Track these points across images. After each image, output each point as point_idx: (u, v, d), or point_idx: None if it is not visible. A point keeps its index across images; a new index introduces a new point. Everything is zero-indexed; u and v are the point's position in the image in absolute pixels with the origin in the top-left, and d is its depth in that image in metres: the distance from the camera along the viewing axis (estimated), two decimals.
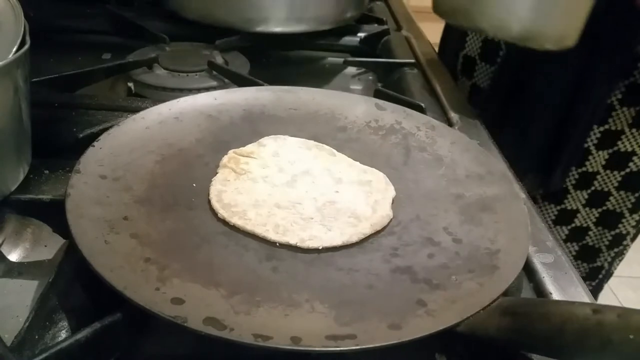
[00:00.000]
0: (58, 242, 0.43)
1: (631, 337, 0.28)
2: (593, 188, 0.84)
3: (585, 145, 0.80)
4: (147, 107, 0.53)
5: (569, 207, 0.86)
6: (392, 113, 0.58)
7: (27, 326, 0.33)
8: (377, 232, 0.43)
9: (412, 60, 0.78)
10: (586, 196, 0.85)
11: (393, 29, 0.91)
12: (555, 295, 0.42)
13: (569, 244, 0.89)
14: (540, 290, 0.42)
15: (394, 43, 0.85)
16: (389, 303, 0.36)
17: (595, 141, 0.80)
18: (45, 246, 0.44)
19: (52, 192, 0.43)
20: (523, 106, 0.81)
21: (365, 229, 0.43)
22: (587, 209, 0.86)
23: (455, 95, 0.71)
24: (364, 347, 0.31)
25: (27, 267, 0.42)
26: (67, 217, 0.37)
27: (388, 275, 0.39)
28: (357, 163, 0.51)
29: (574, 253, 0.90)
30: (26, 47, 0.41)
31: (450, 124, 0.63)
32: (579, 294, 0.42)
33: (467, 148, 0.52)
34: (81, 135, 0.49)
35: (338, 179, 0.49)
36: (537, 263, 0.44)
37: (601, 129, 0.79)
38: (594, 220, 0.87)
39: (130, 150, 0.47)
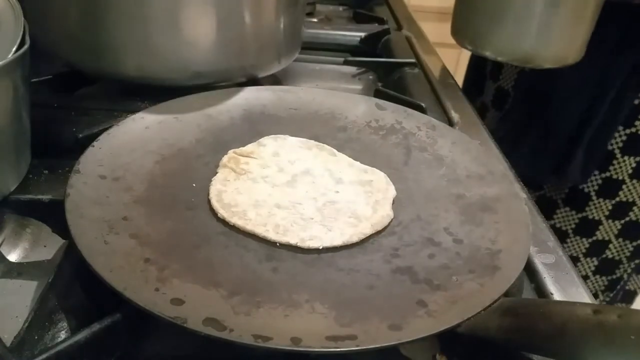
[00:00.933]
0: (57, 242, 0.43)
1: (632, 337, 0.28)
2: (618, 199, 0.82)
3: (610, 147, 0.79)
4: (146, 107, 0.53)
5: (590, 217, 0.84)
6: (392, 113, 0.58)
7: (27, 327, 0.33)
8: (378, 233, 0.43)
9: (413, 60, 0.78)
10: (610, 207, 0.83)
11: (393, 29, 0.91)
12: (557, 296, 0.41)
13: (588, 258, 0.88)
14: (541, 291, 0.42)
15: (394, 42, 0.85)
16: (389, 303, 0.36)
17: (621, 144, 0.79)
18: (45, 246, 0.44)
19: (51, 192, 0.43)
20: (545, 109, 0.81)
21: (366, 229, 0.42)
22: (609, 221, 0.84)
23: (456, 95, 0.71)
24: (364, 347, 0.31)
25: (27, 267, 0.42)
26: (67, 217, 0.37)
27: (388, 275, 0.39)
28: (358, 163, 0.51)
29: (592, 268, 0.88)
30: (26, 47, 0.41)
31: (451, 124, 0.63)
32: (580, 294, 0.42)
33: (468, 148, 0.52)
34: (81, 135, 0.49)
35: (338, 179, 0.48)
36: (538, 263, 0.44)
37: (627, 131, 0.78)
38: (616, 232, 0.85)
39: (129, 150, 0.47)
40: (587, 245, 0.86)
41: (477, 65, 0.99)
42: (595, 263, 0.88)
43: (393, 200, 0.47)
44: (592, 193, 0.82)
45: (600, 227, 0.84)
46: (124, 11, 0.54)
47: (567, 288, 0.42)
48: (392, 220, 0.44)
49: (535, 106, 0.83)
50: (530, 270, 0.44)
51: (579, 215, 0.85)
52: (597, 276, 0.89)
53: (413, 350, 0.38)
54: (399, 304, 0.35)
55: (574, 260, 0.88)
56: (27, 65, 0.42)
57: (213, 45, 0.58)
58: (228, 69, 0.60)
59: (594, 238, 0.86)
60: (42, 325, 0.33)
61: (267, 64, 0.64)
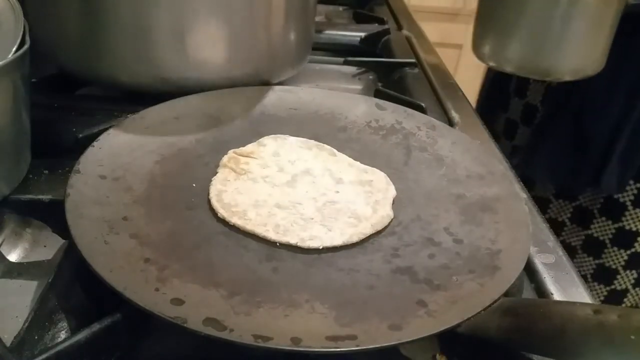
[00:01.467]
0: (57, 242, 0.43)
1: (632, 337, 0.28)
2: None
3: None
4: (146, 107, 0.53)
5: (627, 227, 0.84)
6: (392, 113, 0.58)
7: (27, 327, 0.33)
8: (378, 233, 0.43)
9: (413, 60, 0.78)
10: None
11: (393, 29, 0.91)
12: (557, 296, 0.41)
13: (627, 271, 0.87)
14: (541, 291, 0.42)
15: (394, 42, 0.85)
16: (389, 303, 0.36)
17: None
18: (45, 246, 0.44)
19: (51, 192, 0.43)
20: (578, 121, 0.81)
21: (366, 229, 0.42)
22: None
23: (456, 95, 0.71)
24: (364, 347, 0.31)
25: (27, 267, 0.42)
26: (67, 217, 0.37)
27: (389, 275, 0.39)
28: (358, 163, 0.51)
29: (632, 281, 0.88)
30: (26, 47, 0.41)
31: (451, 123, 0.63)
32: (580, 294, 0.42)
33: (468, 148, 0.52)
34: (81, 135, 0.49)
35: (338, 179, 0.48)
36: (538, 263, 0.44)
37: None
38: None
39: (129, 150, 0.47)
40: (625, 258, 0.86)
41: (500, 83, 0.99)
42: (635, 275, 0.87)
43: (393, 200, 0.47)
44: (628, 203, 0.82)
45: (639, 238, 0.84)
46: (127, 20, 0.53)
47: (567, 288, 0.42)
48: (392, 220, 0.44)
49: (567, 119, 0.83)
50: (530, 270, 0.44)
51: (616, 226, 0.84)
52: (638, 289, 0.89)
53: (413, 350, 0.38)
54: (399, 304, 0.35)
55: (613, 273, 0.87)
56: (27, 65, 0.42)
57: (222, 54, 0.57)
58: (238, 76, 0.59)
59: (633, 250, 0.85)
60: (42, 325, 0.33)
61: (280, 71, 0.64)
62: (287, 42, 0.62)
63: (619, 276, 0.87)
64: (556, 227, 0.89)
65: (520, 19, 0.66)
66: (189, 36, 0.55)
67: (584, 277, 0.78)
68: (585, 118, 0.81)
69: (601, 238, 0.86)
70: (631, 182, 0.81)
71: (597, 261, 0.87)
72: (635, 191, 0.81)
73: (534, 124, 0.90)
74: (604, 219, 0.85)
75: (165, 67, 0.56)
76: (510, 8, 0.67)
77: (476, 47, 0.74)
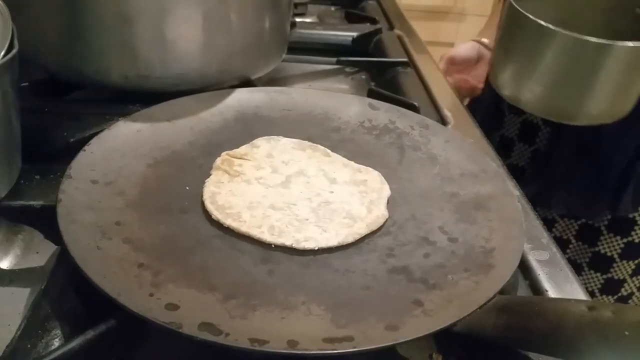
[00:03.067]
0: (50, 248, 0.43)
1: (626, 333, 0.28)
2: None
3: None
4: (138, 110, 0.53)
5: (637, 240, 0.84)
6: (385, 113, 0.58)
7: (19, 335, 0.32)
8: (373, 233, 0.43)
9: (405, 59, 0.78)
10: None
11: (385, 28, 0.91)
12: (551, 293, 0.42)
13: (634, 277, 0.87)
14: (536, 288, 0.42)
15: (386, 42, 0.85)
16: (385, 304, 0.36)
17: None
18: (37, 253, 0.43)
19: (43, 197, 0.43)
20: (594, 145, 0.79)
21: (361, 229, 0.42)
22: None
23: (449, 94, 0.71)
24: (361, 349, 0.31)
25: (19, 274, 0.42)
26: (59, 223, 0.37)
27: (384, 275, 0.39)
28: (352, 162, 0.51)
29: (638, 285, 0.88)
30: (14, 51, 0.41)
31: (444, 122, 0.63)
32: (575, 290, 0.42)
33: (461, 147, 0.52)
34: (72, 140, 0.49)
35: (333, 179, 0.48)
36: (533, 260, 0.44)
37: None
38: None
39: (121, 154, 0.47)
40: (633, 267, 0.86)
41: (491, 98, 0.94)
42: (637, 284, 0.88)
43: (387, 200, 0.46)
44: (638, 218, 0.82)
45: None
46: (107, 17, 0.53)
47: (562, 285, 0.42)
48: (387, 220, 0.44)
49: (581, 142, 0.80)
50: (524, 267, 0.44)
51: (624, 241, 0.84)
52: None
53: (410, 350, 0.38)
54: (395, 304, 0.35)
55: (621, 282, 0.88)
56: (15, 69, 0.42)
57: (198, 50, 0.57)
58: (215, 72, 0.59)
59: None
60: (35, 333, 0.33)
61: (254, 66, 0.64)
62: (261, 38, 0.62)
63: (625, 284, 0.88)
64: (562, 245, 0.88)
65: (545, 57, 0.62)
66: (168, 31, 0.55)
67: (590, 294, 0.78)
68: (601, 149, 0.79)
69: (609, 254, 0.86)
70: None
71: (605, 276, 0.88)
72: None
73: (535, 142, 0.87)
74: (611, 234, 0.84)
75: (145, 63, 0.56)
76: (534, 43, 0.62)
77: (494, 79, 0.71)
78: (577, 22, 0.61)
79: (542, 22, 0.61)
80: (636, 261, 0.85)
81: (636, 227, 0.83)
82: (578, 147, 0.81)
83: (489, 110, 0.72)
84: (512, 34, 0.67)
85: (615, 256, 0.85)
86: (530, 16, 0.62)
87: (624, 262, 0.85)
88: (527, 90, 0.65)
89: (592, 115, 0.65)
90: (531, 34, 0.63)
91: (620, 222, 0.83)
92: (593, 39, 0.58)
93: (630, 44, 0.58)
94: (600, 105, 0.63)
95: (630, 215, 0.82)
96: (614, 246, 0.85)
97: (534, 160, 0.87)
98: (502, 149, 0.90)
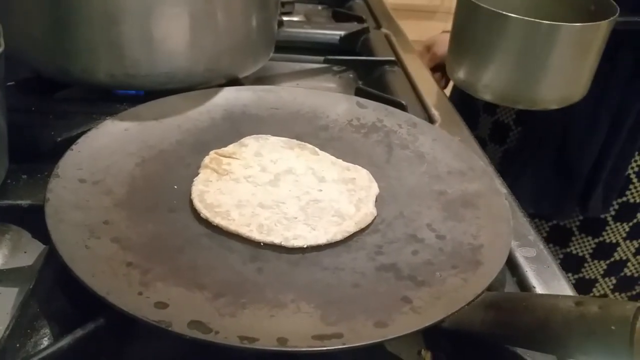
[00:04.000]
0: (38, 247, 0.43)
1: (613, 328, 0.29)
2: (635, 220, 0.82)
3: (627, 173, 0.79)
4: (125, 109, 0.52)
5: (607, 240, 0.84)
6: (373, 111, 0.58)
7: (8, 334, 0.32)
8: (362, 230, 0.43)
9: (393, 58, 0.78)
10: (627, 229, 0.83)
11: (372, 27, 0.91)
12: (539, 289, 0.42)
13: (606, 278, 0.88)
14: (523, 285, 0.43)
15: (373, 41, 0.85)
16: (374, 301, 0.36)
17: (637, 169, 0.79)
18: (25, 252, 0.43)
19: (30, 197, 0.42)
20: (561, 145, 0.80)
21: (350, 227, 0.43)
22: (627, 241, 0.84)
23: (436, 92, 0.72)
24: (350, 345, 0.31)
25: (7, 274, 0.41)
26: (47, 222, 0.37)
27: (373, 273, 0.39)
28: (340, 161, 0.51)
29: (611, 287, 0.89)
30: (0, 50, 0.41)
31: (431, 121, 0.63)
32: (562, 286, 0.43)
33: (449, 145, 0.53)
34: (59, 139, 0.49)
35: (321, 178, 0.48)
36: (520, 257, 0.45)
37: None
38: (634, 251, 0.85)
39: (109, 153, 0.47)
40: (604, 267, 0.87)
41: (466, 99, 0.95)
42: (614, 282, 0.89)
43: (376, 198, 0.47)
44: (609, 219, 0.83)
45: (618, 248, 0.85)
46: (94, 16, 0.53)
47: (549, 281, 0.43)
48: (375, 217, 0.45)
49: (548, 146, 0.81)
50: (512, 264, 0.44)
51: (596, 240, 0.85)
52: (617, 293, 0.90)
53: (398, 347, 0.38)
54: (384, 301, 0.36)
55: (593, 282, 0.88)
56: (2, 68, 0.41)
57: (185, 48, 0.57)
58: (202, 71, 0.59)
59: (612, 259, 0.86)
60: (24, 332, 0.33)
61: (242, 65, 0.64)
62: (249, 37, 0.63)
63: (597, 284, 0.89)
64: None
65: (499, 44, 0.64)
66: (155, 30, 0.55)
67: None
68: (569, 146, 0.80)
69: (580, 254, 0.87)
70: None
71: (576, 276, 0.89)
72: (617, 207, 0.82)
73: (507, 142, 0.88)
74: (583, 235, 0.85)
75: (132, 62, 0.55)
76: (488, 31, 0.64)
77: (451, 71, 0.72)
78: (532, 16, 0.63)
79: (494, 9, 0.63)
80: (607, 261, 0.86)
81: (607, 228, 0.84)
82: (547, 147, 0.82)
83: (464, 112, 0.74)
84: (466, 23, 0.69)
85: (587, 256, 0.86)
86: (482, 4, 0.64)
87: (595, 262, 0.86)
88: (483, 78, 0.67)
89: (546, 100, 0.67)
90: (484, 21, 0.65)
91: (591, 222, 0.84)
92: (544, 22, 0.61)
93: (578, 25, 0.61)
94: (554, 88, 0.66)
95: (602, 216, 0.83)
96: (585, 246, 0.86)
97: (504, 159, 0.88)
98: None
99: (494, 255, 0.39)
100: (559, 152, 0.81)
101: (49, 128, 0.51)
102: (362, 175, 0.49)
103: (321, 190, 0.47)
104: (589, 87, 0.68)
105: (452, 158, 0.51)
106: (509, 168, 0.84)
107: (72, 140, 0.47)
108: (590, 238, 0.85)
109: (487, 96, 0.69)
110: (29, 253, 0.43)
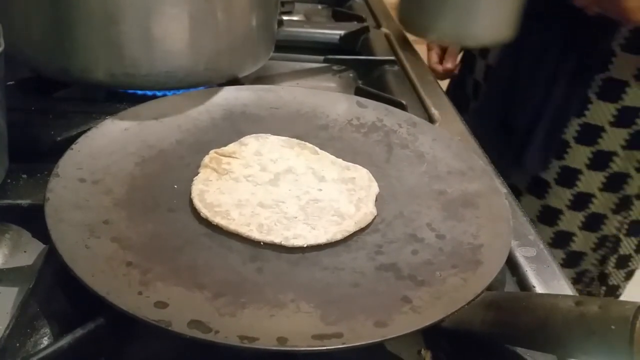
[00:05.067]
0: (38, 247, 0.43)
1: (613, 327, 0.29)
2: (577, 189, 0.84)
3: (562, 136, 0.82)
4: (125, 109, 0.52)
5: (552, 205, 0.86)
6: (373, 111, 0.58)
7: (8, 334, 0.32)
8: (362, 230, 0.43)
9: (393, 58, 0.78)
10: (570, 197, 0.85)
11: (372, 26, 0.91)
12: (539, 289, 0.42)
13: (553, 249, 0.89)
14: (523, 284, 0.43)
15: (373, 40, 0.85)
16: (374, 301, 0.36)
17: (575, 134, 0.81)
18: (25, 252, 0.43)
19: (30, 196, 0.42)
20: (508, 101, 0.85)
21: (350, 227, 0.43)
22: (571, 211, 0.86)
23: (436, 92, 0.72)
24: (350, 345, 0.31)
25: (7, 273, 0.41)
26: (47, 221, 0.37)
27: (373, 272, 0.39)
28: (340, 160, 0.51)
29: (560, 261, 0.90)
30: (0, 49, 0.41)
31: (431, 120, 0.63)
32: (562, 286, 0.43)
33: (449, 144, 0.53)
34: (59, 139, 0.49)
35: (321, 177, 0.48)
36: (520, 257, 0.45)
37: (580, 121, 0.81)
38: (579, 224, 0.86)
39: (109, 152, 0.47)
40: (552, 235, 0.88)
41: (460, 85, 1.02)
42: (563, 256, 0.90)
43: (376, 198, 0.47)
44: (552, 182, 0.85)
45: (562, 216, 0.87)
46: (94, 15, 0.53)
47: (549, 281, 0.43)
48: (375, 217, 0.45)
49: (500, 99, 0.87)
50: (512, 264, 0.44)
51: (541, 203, 0.87)
52: (565, 269, 0.91)
53: (398, 346, 0.38)
54: (383, 301, 0.36)
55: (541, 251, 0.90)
56: (1, 68, 0.41)
57: (185, 48, 0.57)
58: (202, 70, 0.59)
59: (557, 228, 0.88)
60: (24, 332, 0.33)
61: (242, 64, 0.64)
62: (248, 37, 0.63)
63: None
64: None
65: None
66: (154, 29, 0.55)
67: None
68: (509, 105, 0.85)
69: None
70: (552, 160, 0.85)
71: None
72: (558, 170, 0.84)
73: (477, 99, 0.95)
74: (531, 197, 0.88)
75: (132, 62, 0.55)
76: None
77: (401, 20, 0.74)
78: None
79: None
80: (553, 230, 0.88)
81: (550, 191, 0.86)
82: (496, 100, 0.88)
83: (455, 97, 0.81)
84: None
85: (535, 219, 0.88)
86: None
87: (541, 225, 0.88)
88: (430, 21, 0.69)
89: (483, 37, 0.70)
90: None
91: (535, 184, 0.87)
92: None
93: None
94: (483, 28, 0.68)
95: (545, 179, 0.85)
96: (531, 209, 0.88)
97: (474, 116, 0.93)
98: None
99: (493, 254, 0.39)
100: (504, 105, 0.86)
101: (48, 127, 0.51)
102: (362, 175, 0.49)
103: (321, 190, 0.47)
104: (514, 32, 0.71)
105: (452, 158, 0.51)
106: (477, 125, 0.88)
107: (71, 140, 0.47)
108: (535, 199, 0.88)
109: (432, 36, 0.74)
110: (29, 253, 0.43)
